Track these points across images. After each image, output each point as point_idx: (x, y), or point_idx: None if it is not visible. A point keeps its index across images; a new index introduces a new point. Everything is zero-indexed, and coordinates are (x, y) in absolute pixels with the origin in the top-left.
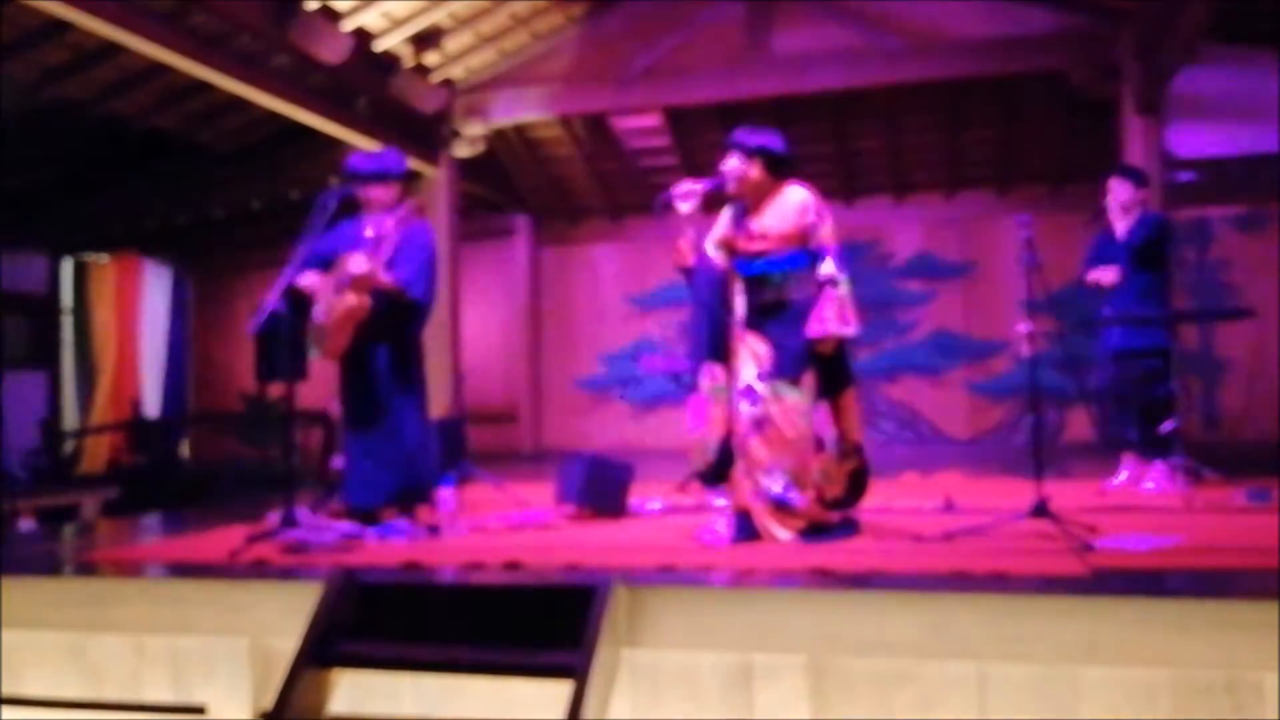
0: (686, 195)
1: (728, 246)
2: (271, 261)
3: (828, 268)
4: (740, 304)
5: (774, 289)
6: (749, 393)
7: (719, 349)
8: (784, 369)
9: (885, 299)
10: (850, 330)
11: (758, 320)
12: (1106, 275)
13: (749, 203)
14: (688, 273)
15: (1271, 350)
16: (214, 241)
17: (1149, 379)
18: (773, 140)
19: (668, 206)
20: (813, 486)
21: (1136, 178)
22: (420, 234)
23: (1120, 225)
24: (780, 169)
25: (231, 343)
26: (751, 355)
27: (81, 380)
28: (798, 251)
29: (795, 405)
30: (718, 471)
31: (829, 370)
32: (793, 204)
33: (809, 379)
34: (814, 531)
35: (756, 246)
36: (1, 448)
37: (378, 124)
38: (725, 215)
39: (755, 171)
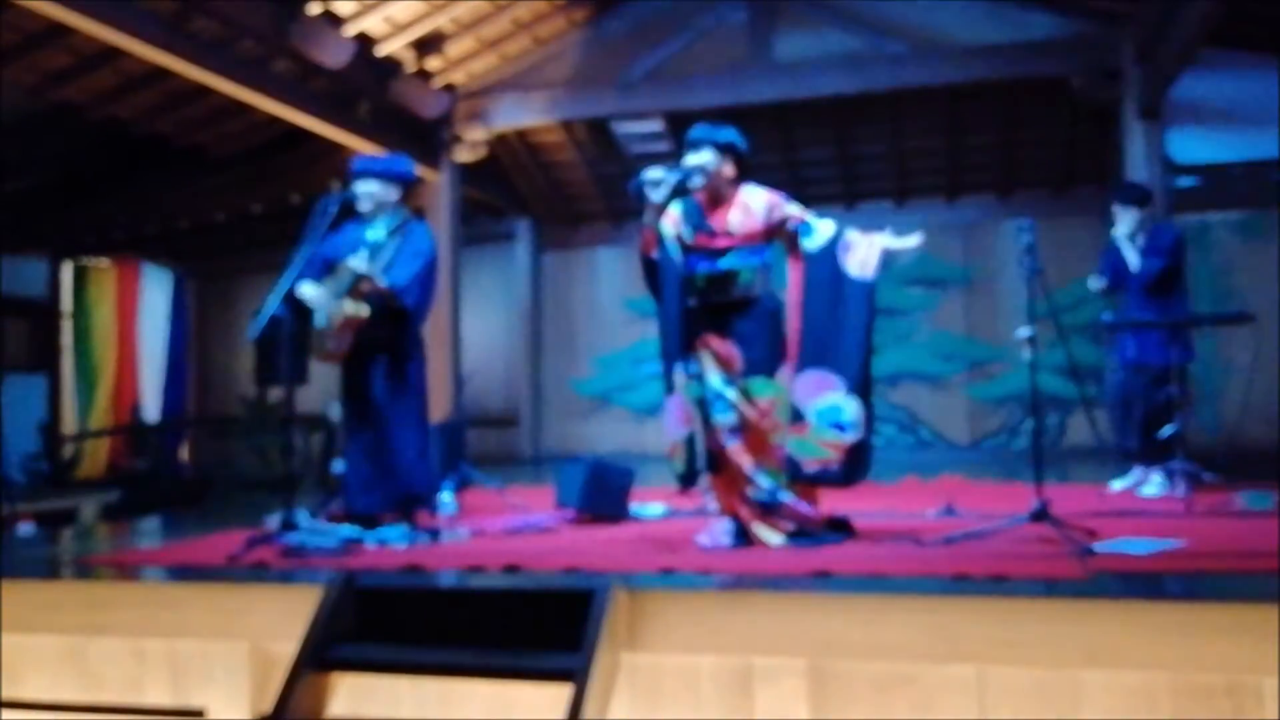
0: (659, 182)
1: (681, 245)
2: (272, 265)
3: (828, 227)
4: (694, 303)
5: (741, 287)
6: (720, 399)
7: (689, 346)
8: (756, 366)
9: (886, 304)
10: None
11: (720, 320)
12: (1098, 284)
13: (705, 200)
14: (649, 265)
15: (1271, 355)
16: (214, 245)
17: (1154, 386)
18: (739, 138)
19: (640, 192)
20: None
21: (1139, 198)
22: (420, 238)
23: (1131, 253)
24: (744, 168)
25: (232, 347)
26: (715, 358)
27: (81, 384)
28: (761, 248)
29: (771, 402)
30: (699, 471)
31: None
32: (760, 203)
33: (785, 373)
34: (804, 536)
35: (720, 244)
36: (1, 451)
37: (379, 129)
38: (674, 212)
39: (728, 168)
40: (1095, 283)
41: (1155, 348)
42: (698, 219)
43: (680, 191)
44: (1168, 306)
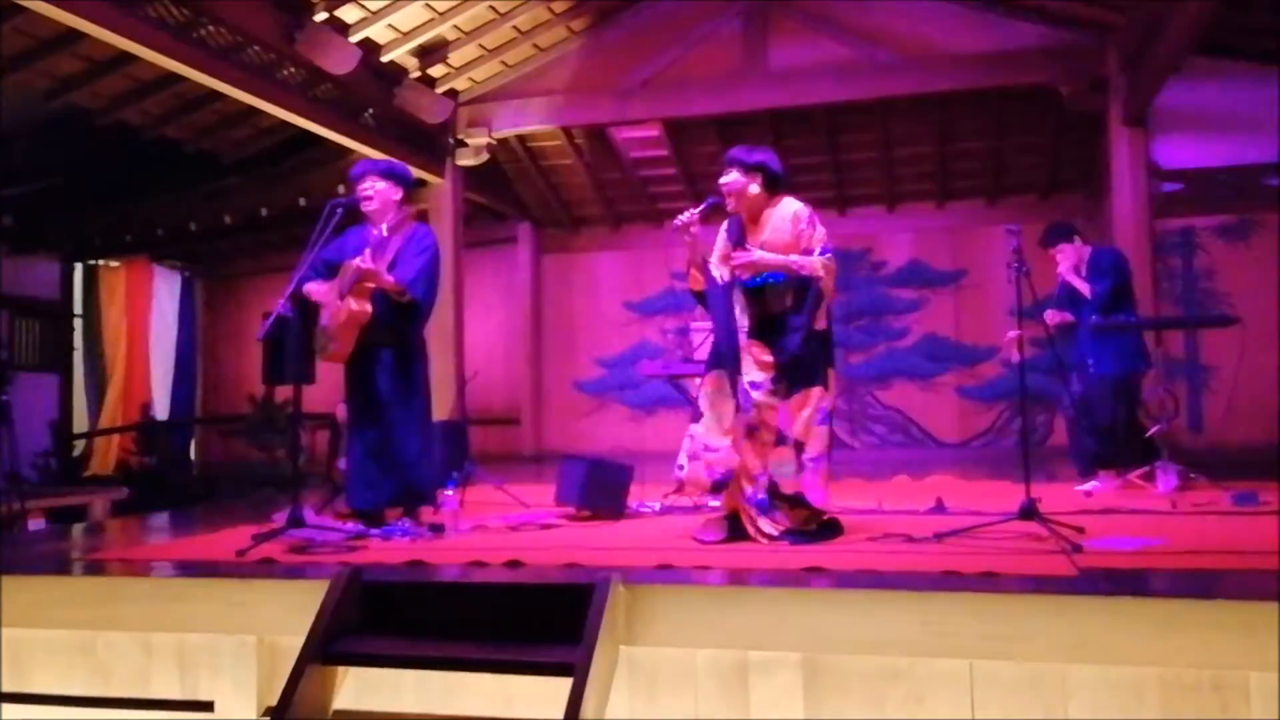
0: (688, 222)
1: (727, 262)
2: (279, 267)
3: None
4: (744, 317)
5: (777, 300)
6: (745, 396)
7: (727, 359)
8: (785, 376)
9: (877, 306)
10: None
11: (763, 331)
12: (1055, 318)
13: (745, 218)
14: (701, 296)
15: (1256, 356)
16: (223, 247)
17: (1116, 395)
18: (770, 158)
19: (678, 231)
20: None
21: (1065, 234)
22: (422, 237)
23: (1079, 283)
24: (776, 185)
25: (239, 346)
26: (755, 362)
27: (92, 383)
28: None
29: (791, 409)
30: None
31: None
32: (787, 215)
33: (820, 384)
34: (797, 533)
35: None
36: (13, 449)
37: (384, 134)
38: (722, 232)
39: (755, 187)
40: (1053, 316)
41: (1112, 359)
42: (738, 236)
43: (721, 212)
44: (1127, 316)
